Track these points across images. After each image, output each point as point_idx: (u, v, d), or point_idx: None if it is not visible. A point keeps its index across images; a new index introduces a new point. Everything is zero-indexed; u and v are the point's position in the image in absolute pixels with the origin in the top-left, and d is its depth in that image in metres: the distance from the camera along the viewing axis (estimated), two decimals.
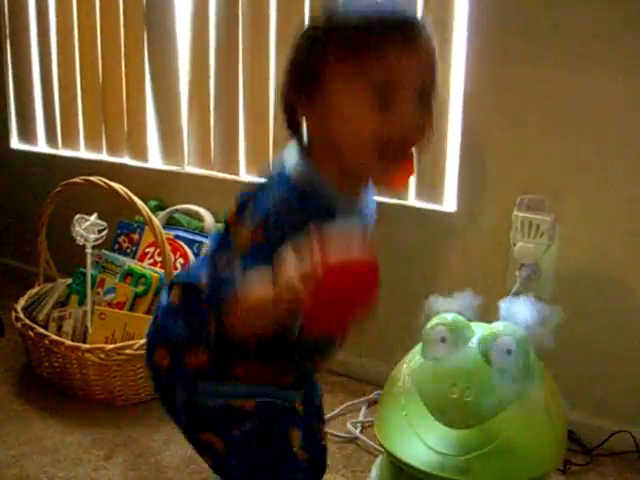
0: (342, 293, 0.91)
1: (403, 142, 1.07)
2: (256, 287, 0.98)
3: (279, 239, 1.00)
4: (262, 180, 1.13)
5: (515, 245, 1.87)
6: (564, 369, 1.72)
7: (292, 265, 0.92)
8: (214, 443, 1.20)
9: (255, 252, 1.04)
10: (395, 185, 1.12)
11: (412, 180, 2.04)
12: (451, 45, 1.94)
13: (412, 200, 2.07)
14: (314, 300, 0.90)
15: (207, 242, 2.27)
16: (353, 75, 1.04)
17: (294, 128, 1.13)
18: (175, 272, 2.05)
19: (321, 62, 1.06)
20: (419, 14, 1.93)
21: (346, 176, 1.11)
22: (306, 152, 1.12)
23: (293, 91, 1.10)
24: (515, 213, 1.86)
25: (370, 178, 1.16)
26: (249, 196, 1.11)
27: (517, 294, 1.74)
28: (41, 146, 2.86)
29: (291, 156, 1.13)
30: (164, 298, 1.26)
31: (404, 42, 1.04)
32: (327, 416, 1.92)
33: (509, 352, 1.48)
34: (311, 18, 1.16)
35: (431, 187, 2.03)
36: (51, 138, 2.81)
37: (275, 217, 1.05)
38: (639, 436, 1.82)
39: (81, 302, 2.21)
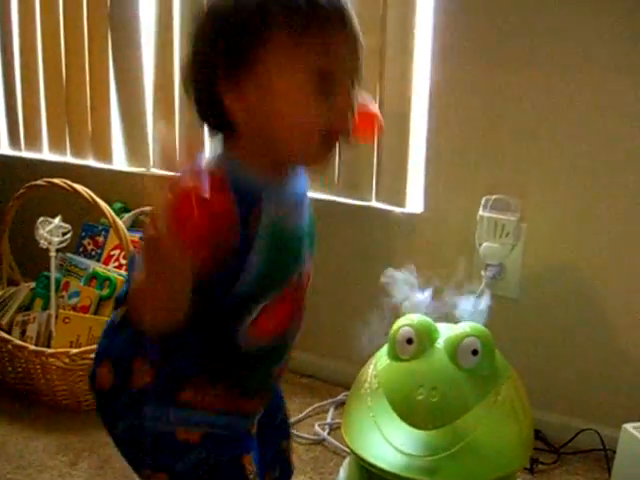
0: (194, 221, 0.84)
1: (342, 129, 1.03)
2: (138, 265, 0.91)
3: None
4: None
5: (480, 245, 1.87)
6: (530, 368, 1.74)
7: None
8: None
9: None
10: (323, 168, 1.11)
11: (377, 182, 2.04)
12: (414, 43, 1.94)
13: (377, 202, 2.07)
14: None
15: None
16: (294, 60, 0.98)
17: (212, 117, 1.06)
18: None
19: (256, 46, 0.98)
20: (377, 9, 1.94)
21: (275, 163, 1.06)
22: (225, 142, 1.06)
23: (215, 77, 1.00)
24: (480, 213, 1.87)
25: (301, 163, 1.11)
26: None
27: (482, 294, 1.75)
28: (3, 148, 2.81)
29: (211, 155, 1.07)
30: (113, 314, 1.17)
31: (345, 28, 1.00)
32: (294, 418, 1.91)
33: (475, 352, 1.49)
34: None
35: (396, 189, 2.03)
36: (14, 140, 2.77)
37: None
38: (606, 434, 1.83)
39: (45, 306, 2.19)
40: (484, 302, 1.65)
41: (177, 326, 0.93)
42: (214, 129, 1.08)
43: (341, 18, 1.00)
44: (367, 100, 1.13)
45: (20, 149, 2.75)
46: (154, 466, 1.10)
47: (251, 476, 1.11)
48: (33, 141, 2.71)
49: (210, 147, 1.11)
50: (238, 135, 1.04)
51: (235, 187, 0.99)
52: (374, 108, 1.16)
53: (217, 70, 1.00)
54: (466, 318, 1.59)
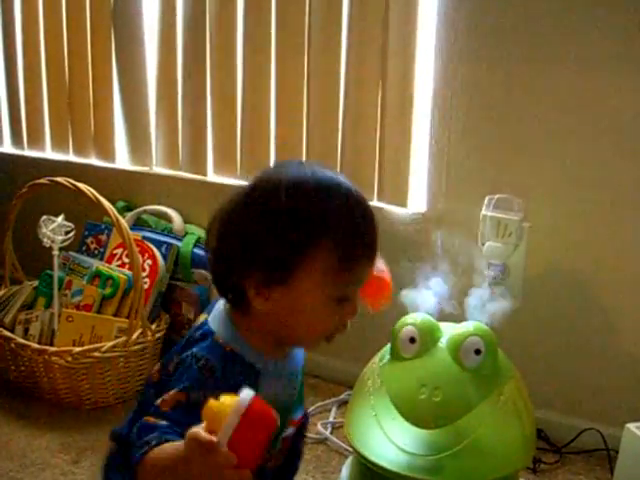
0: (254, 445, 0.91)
1: (344, 328, 1.14)
2: (167, 450, 0.96)
3: (201, 402, 0.96)
4: (187, 335, 1.15)
5: (483, 245, 1.87)
6: (533, 368, 1.74)
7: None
8: None
9: (175, 413, 1.03)
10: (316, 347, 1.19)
11: (379, 182, 2.05)
12: (416, 43, 1.94)
13: (380, 202, 2.07)
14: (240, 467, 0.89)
15: (178, 243, 2.25)
16: (330, 280, 1.07)
17: (229, 294, 1.13)
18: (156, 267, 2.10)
19: (300, 260, 1.05)
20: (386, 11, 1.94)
21: (278, 344, 1.16)
22: (234, 312, 1.14)
23: (248, 268, 1.07)
24: (483, 213, 1.87)
25: (302, 347, 1.24)
26: (174, 351, 1.14)
27: (485, 293, 1.74)
28: (6, 146, 2.82)
29: (216, 312, 1.16)
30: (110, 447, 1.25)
31: (375, 256, 1.12)
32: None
33: (478, 352, 1.49)
34: (279, 189, 1.07)
35: (398, 189, 2.03)
36: (16, 138, 2.77)
37: (198, 377, 1.06)
38: (608, 434, 1.83)
39: (48, 305, 2.19)
40: (487, 301, 1.65)
41: None
42: (227, 301, 1.15)
43: (375, 247, 1.11)
44: (381, 267, 1.24)
45: (23, 148, 2.76)
46: None
47: None
48: (36, 140, 2.71)
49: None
50: (251, 315, 1.11)
51: (237, 359, 1.10)
52: (387, 276, 1.27)
53: (249, 270, 1.07)
54: (469, 317, 1.59)
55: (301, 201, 1.06)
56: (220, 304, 1.17)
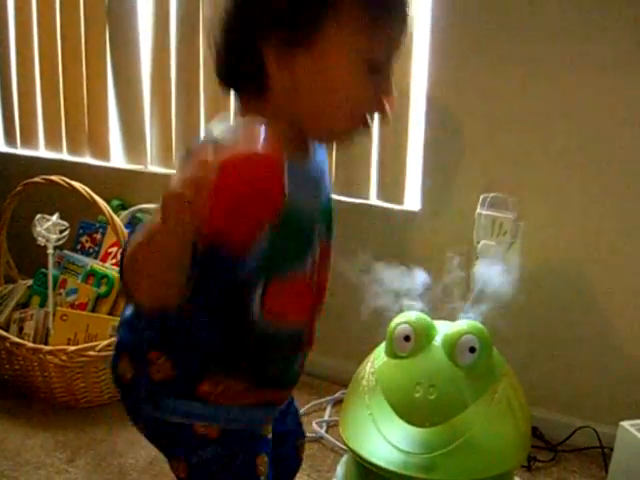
0: (242, 191, 0.79)
1: (380, 110, 0.99)
2: (140, 231, 0.88)
3: None
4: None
5: (478, 243, 1.87)
6: (527, 366, 1.74)
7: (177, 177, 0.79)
8: (177, 468, 1.09)
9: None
10: (346, 145, 1.06)
11: (375, 179, 2.05)
12: (413, 43, 1.94)
13: (375, 199, 2.07)
14: (213, 206, 0.77)
15: None
16: (358, 39, 0.94)
17: (241, 77, 0.98)
18: None
19: (324, 16, 0.92)
20: None
21: (301, 137, 1.01)
22: (246, 106, 1.00)
23: (263, 38, 0.93)
24: (478, 211, 1.87)
25: (330, 139, 1.08)
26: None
27: (479, 292, 1.75)
28: None
29: (221, 124, 0.99)
30: (127, 305, 1.15)
31: (407, 13, 0.97)
32: None
33: (472, 350, 1.49)
34: None
35: (394, 186, 2.04)
36: (10, 137, 2.76)
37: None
38: (603, 432, 1.84)
39: (43, 303, 2.19)
40: (481, 299, 1.65)
41: (172, 303, 0.91)
42: (238, 90, 1.01)
43: (407, 8, 0.97)
44: None
45: (16, 146, 2.74)
46: (175, 455, 1.09)
47: (262, 477, 1.09)
48: (29, 138, 2.70)
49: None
50: (268, 101, 0.97)
51: None
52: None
53: (269, 32, 0.93)
54: (463, 316, 1.59)
55: None
56: (222, 120, 1.02)
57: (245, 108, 1.00)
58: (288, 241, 1.00)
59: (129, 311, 1.13)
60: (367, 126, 1.00)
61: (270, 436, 1.14)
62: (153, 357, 1.06)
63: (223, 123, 0.98)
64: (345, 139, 1.04)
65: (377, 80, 0.97)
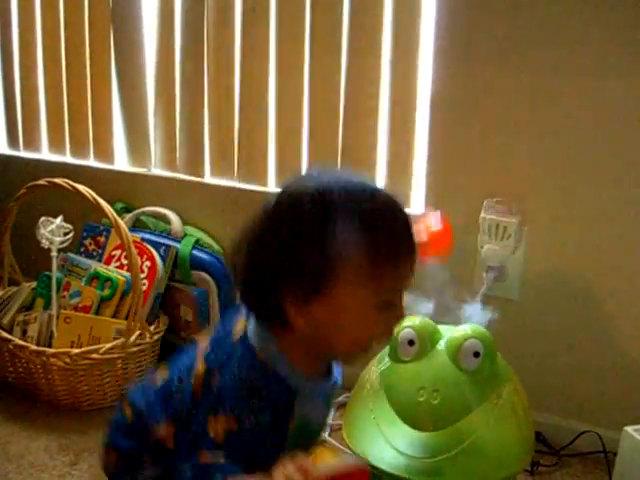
0: None
1: (389, 335, 1.13)
2: None
3: (253, 425, 1.04)
4: (227, 341, 1.14)
5: (482, 247, 1.87)
6: (531, 370, 1.74)
7: None
8: None
9: (231, 443, 1.04)
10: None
11: (380, 183, 2.05)
12: (419, 49, 1.94)
13: None
14: None
15: (176, 244, 2.24)
16: (370, 287, 1.04)
17: (265, 313, 1.10)
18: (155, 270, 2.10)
19: (338, 271, 1.03)
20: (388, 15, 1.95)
21: (317, 360, 1.15)
22: (276, 331, 1.11)
23: (284, 287, 1.05)
24: (482, 216, 1.87)
25: (343, 362, 1.20)
26: (215, 365, 1.11)
27: (484, 296, 1.75)
28: (2, 147, 2.80)
29: (254, 327, 1.13)
30: (118, 408, 1.25)
31: (413, 254, 1.08)
32: None
33: (476, 354, 1.49)
34: (305, 198, 1.05)
35: (398, 190, 2.04)
36: (12, 139, 2.76)
37: (247, 400, 1.06)
38: (606, 436, 1.83)
39: (46, 306, 2.18)
40: (485, 304, 1.65)
41: None
42: (263, 320, 1.12)
43: (412, 245, 1.08)
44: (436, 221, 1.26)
45: (19, 149, 2.74)
46: None
47: None
48: (32, 141, 2.70)
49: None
50: (289, 333, 1.09)
51: (277, 377, 1.08)
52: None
53: (285, 284, 1.04)
54: (468, 320, 1.59)
55: (327, 210, 1.03)
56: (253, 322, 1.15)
57: (275, 330, 1.10)
58: (295, 446, 1.11)
59: (128, 418, 1.23)
60: (371, 347, 1.12)
61: None
62: (146, 467, 1.19)
63: (262, 342, 1.11)
64: (357, 359, 1.15)
65: (388, 313, 1.08)
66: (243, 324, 1.15)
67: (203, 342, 1.18)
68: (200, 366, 1.13)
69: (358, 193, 1.06)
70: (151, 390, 1.20)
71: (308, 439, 1.20)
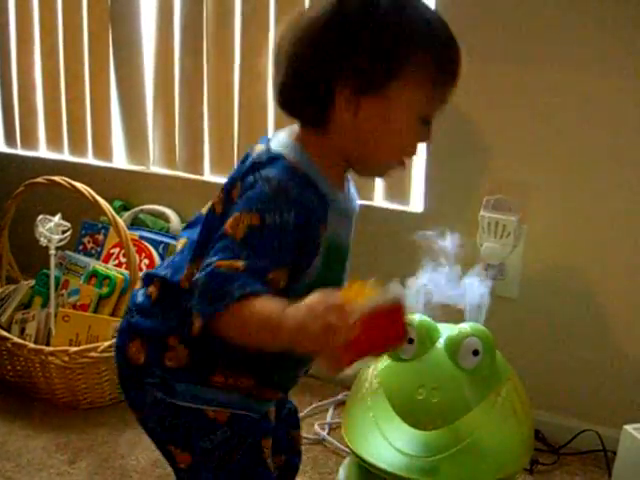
0: (374, 343, 0.91)
1: (414, 153, 1.13)
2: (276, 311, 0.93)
3: (277, 223, 0.98)
4: (247, 161, 1.08)
5: (482, 245, 1.87)
6: (530, 369, 1.74)
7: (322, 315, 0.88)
8: (179, 460, 1.14)
9: (250, 239, 0.98)
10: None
11: (379, 181, 2.05)
12: None
13: (379, 201, 2.07)
14: (346, 350, 0.88)
15: (175, 242, 2.24)
16: (424, 92, 1.05)
17: (312, 114, 1.06)
18: (153, 267, 2.07)
19: (400, 68, 1.01)
20: None
21: (343, 169, 1.12)
22: (308, 137, 1.08)
23: (339, 79, 1.01)
24: (482, 214, 1.87)
25: (369, 174, 1.20)
26: (236, 177, 1.07)
27: (483, 294, 1.74)
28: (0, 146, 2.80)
29: (280, 138, 1.09)
30: (140, 292, 1.17)
31: (459, 71, 1.08)
32: None
33: (476, 353, 1.49)
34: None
35: (398, 188, 2.04)
36: (10, 137, 2.75)
37: (272, 198, 1.00)
38: (605, 435, 1.83)
39: (44, 304, 2.18)
40: (484, 302, 1.65)
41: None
42: (296, 117, 1.09)
43: (459, 61, 1.08)
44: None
45: (16, 147, 2.73)
46: (180, 444, 1.14)
47: (268, 460, 1.16)
48: (30, 139, 2.69)
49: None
50: (324, 134, 1.06)
51: (310, 181, 1.04)
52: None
53: (345, 79, 1.02)
54: (467, 318, 1.59)
55: (402, 10, 1.03)
56: (282, 132, 1.11)
57: (302, 133, 1.08)
58: (330, 271, 1.10)
59: (142, 297, 1.16)
60: (403, 165, 1.12)
61: (273, 423, 1.22)
62: (171, 342, 1.11)
63: (291, 148, 1.06)
64: (382, 174, 1.17)
65: (423, 129, 1.09)
66: (260, 147, 1.09)
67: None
68: (220, 194, 1.10)
69: (426, 4, 1.10)
70: (172, 258, 1.16)
71: (337, 261, 1.13)
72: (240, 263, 0.96)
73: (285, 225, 0.99)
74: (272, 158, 1.05)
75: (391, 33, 1.01)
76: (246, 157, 1.10)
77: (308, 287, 0.98)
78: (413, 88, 1.03)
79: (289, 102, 1.08)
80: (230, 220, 1.00)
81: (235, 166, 1.12)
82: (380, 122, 1.04)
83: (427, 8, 1.09)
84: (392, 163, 1.11)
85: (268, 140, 1.10)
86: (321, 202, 1.04)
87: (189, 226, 1.18)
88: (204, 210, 1.14)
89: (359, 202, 1.20)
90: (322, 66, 1.02)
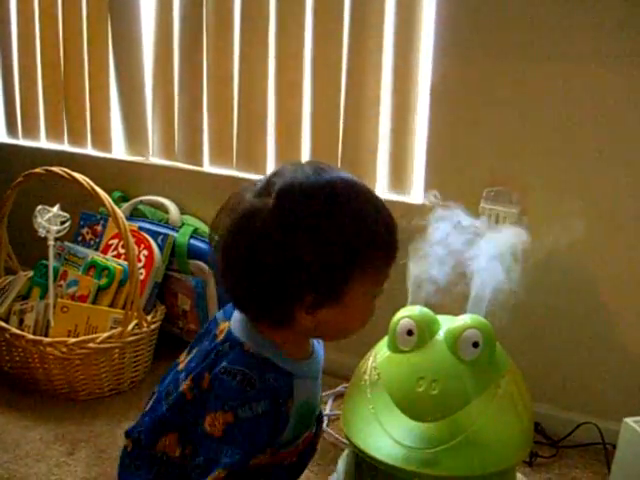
0: None
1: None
2: None
3: (250, 416, 1.08)
4: (213, 346, 1.17)
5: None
6: (530, 361, 1.73)
7: None
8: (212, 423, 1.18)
9: (230, 435, 1.08)
10: None
11: (380, 172, 2.05)
12: (419, 40, 1.93)
13: (379, 191, 2.07)
14: None
15: (171, 234, 2.23)
16: (379, 278, 1.16)
17: (273, 319, 1.13)
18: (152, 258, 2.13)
19: (354, 270, 1.09)
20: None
21: (305, 344, 1.23)
22: (265, 327, 1.15)
23: (300, 294, 1.08)
24: (482, 205, 1.86)
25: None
26: (204, 367, 1.15)
27: (483, 286, 1.74)
28: (0, 136, 2.80)
29: (240, 321, 1.17)
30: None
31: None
32: None
33: (476, 345, 1.48)
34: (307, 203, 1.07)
35: (398, 179, 2.03)
36: (11, 128, 2.75)
37: (240, 392, 1.09)
38: (605, 428, 1.83)
39: (43, 295, 2.18)
40: (485, 294, 1.64)
41: None
42: (257, 321, 1.16)
43: (397, 238, 1.17)
44: None
45: (18, 137, 2.74)
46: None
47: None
48: (31, 129, 2.69)
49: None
50: (290, 329, 1.14)
51: (271, 365, 1.13)
52: None
53: (302, 294, 1.08)
54: (467, 310, 1.58)
55: (338, 216, 1.06)
56: (238, 321, 1.19)
57: (264, 326, 1.16)
58: (302, 424, 1.23)
59: (128, 448, 1.28)
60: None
61: None
62: None
63: (250, 335, 1.16)
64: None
65: (373, 303, 1.20)
66: (225, 325, 1.18)
67: (183, 359, 1.23)
68: (185, 377, 1.18)
69: (356, 193, 1.12)
70: (143, 416, 1.25)
71: (309, 418, 1.27)
72: (222, 473, 1.07)
73: (257, 416, 1.08)
74: (231, 346, 1.14)
75: (336, 247, 1.06)
76: (210, 331, 1.22)
77: (277, 444, 1.16)
78: (366, 283, 1.12)
79: (245, 308, 1.15)
80: (208, 419, 1.10)
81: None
82: (340, 319, 1.14)
83: (357, 195, 1.11)
84: (355, 332, 1.21)
85: (230, 317, 1.19)
86: (285, 380, 1.14)
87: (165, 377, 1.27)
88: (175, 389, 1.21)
89: None
90: (280, 284, 1.08)
